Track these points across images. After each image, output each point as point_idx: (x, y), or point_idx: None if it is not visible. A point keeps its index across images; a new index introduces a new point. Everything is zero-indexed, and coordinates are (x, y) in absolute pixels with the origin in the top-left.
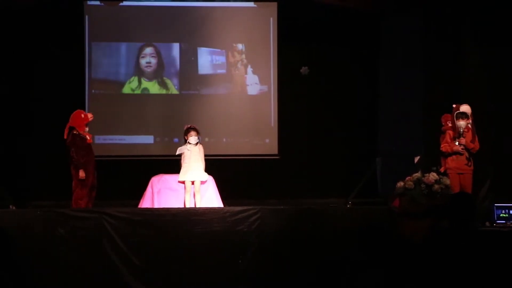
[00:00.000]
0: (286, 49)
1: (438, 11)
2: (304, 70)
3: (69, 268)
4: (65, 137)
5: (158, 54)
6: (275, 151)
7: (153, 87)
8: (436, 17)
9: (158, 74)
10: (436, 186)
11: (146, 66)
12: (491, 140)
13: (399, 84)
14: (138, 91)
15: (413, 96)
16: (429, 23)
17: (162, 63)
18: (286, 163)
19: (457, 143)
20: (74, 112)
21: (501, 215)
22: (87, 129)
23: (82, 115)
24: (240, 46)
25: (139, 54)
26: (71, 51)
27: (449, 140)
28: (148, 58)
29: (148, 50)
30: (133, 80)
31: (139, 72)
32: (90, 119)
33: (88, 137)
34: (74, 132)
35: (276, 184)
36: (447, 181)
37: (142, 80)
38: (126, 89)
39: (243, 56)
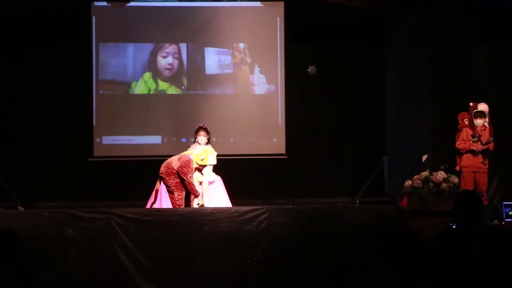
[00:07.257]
0: (293, 49)
1: (445, 9)
2: (311, 69)
3: (78, 268)
4: None
5: (179, 55)
6: (283, 151)
7: (166, 87)
8: (443, 16)
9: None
10: (444, 185)
11: (167, 68)
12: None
13: (406, 83)
14: (152, 91)
15: (421, 94)
16: (436, 21)
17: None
18: (293, 163)
19: (475, 143)
20: None
21: (510, 213)
22: None
23: None
24: (241, 45)
25: (156, 52)
26: (79, 52)
27: (465, 138)
28: (170, 59)
29: (171, 48)
30: (142, 80)
31: (154, 71)
32: None
33: None
34: None
35: (284, 184)
36: (455, 179)
37: (158, 80)
38: (136, 90)
39: (246, 55)
